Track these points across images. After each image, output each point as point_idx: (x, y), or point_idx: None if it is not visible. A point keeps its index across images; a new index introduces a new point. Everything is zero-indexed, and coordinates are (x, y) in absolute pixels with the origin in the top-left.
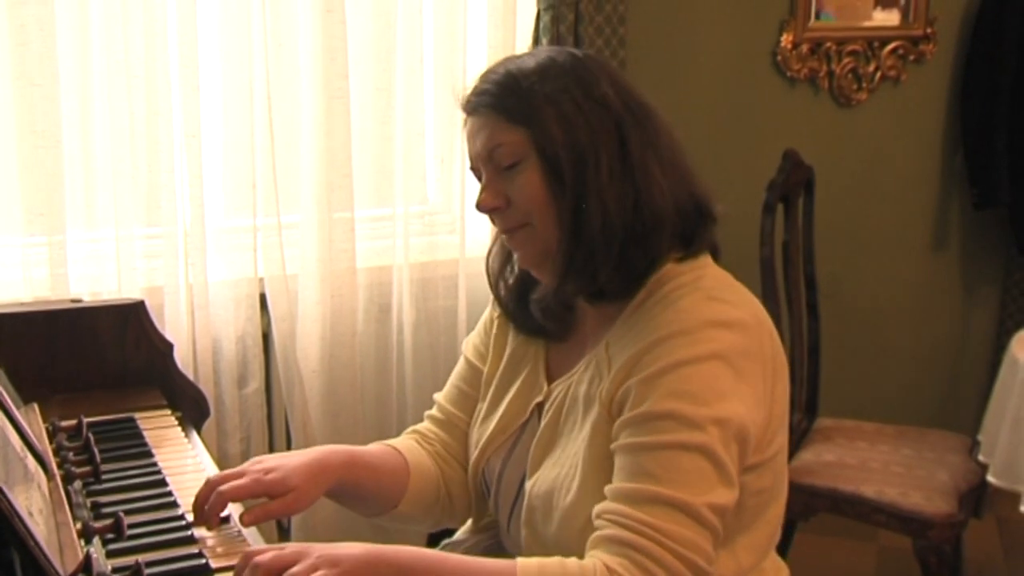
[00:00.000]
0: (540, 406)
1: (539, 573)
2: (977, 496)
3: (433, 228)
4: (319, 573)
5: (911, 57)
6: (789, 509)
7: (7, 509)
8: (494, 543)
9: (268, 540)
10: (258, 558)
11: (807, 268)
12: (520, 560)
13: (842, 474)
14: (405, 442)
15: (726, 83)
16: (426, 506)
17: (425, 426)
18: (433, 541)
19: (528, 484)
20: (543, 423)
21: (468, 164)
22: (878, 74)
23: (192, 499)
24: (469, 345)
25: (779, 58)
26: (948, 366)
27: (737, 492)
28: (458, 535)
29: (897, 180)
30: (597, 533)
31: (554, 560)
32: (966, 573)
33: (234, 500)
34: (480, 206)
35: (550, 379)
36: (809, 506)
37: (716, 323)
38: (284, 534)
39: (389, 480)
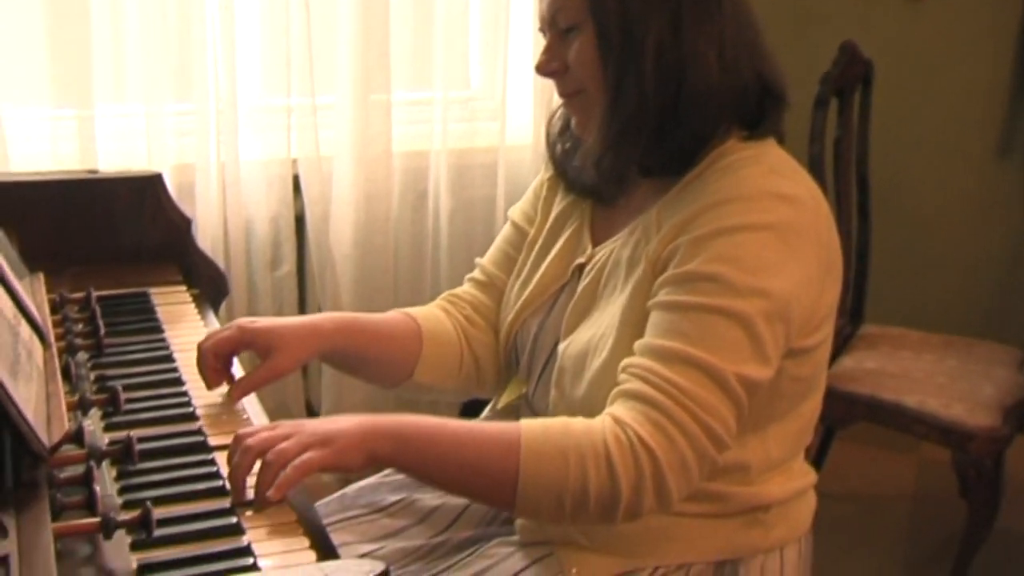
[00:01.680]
0: (581, 268)
1: (543, 432)
2: (1023, 411)
3: (474, 114)
4: (309, 453)
5: None
6: (827, 416)
7: None
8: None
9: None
10: (248, 440)
11: (860, 168)
12: (524, 420)
13: (884, 382)
14: (424, 309)
15: None
16: (447, 374)
17: (463, 289)
18: (465, 412)
19: (561, 346)
20: (582, 285)
21: (516, 46)
22: None
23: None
24: (517, 210)
25: None
26: (1001, 278)
27: (771, 371)
28: (481, 416)
29: (963, 82)
30: (619, 387)
31: (558, 420)
32: (1006, 490)
33: (217, 352)
34: (538, 69)
35: (594, 242)
36: (848, 414)
37: (775, 195)
38: (314, 416)
39: (394, 347)
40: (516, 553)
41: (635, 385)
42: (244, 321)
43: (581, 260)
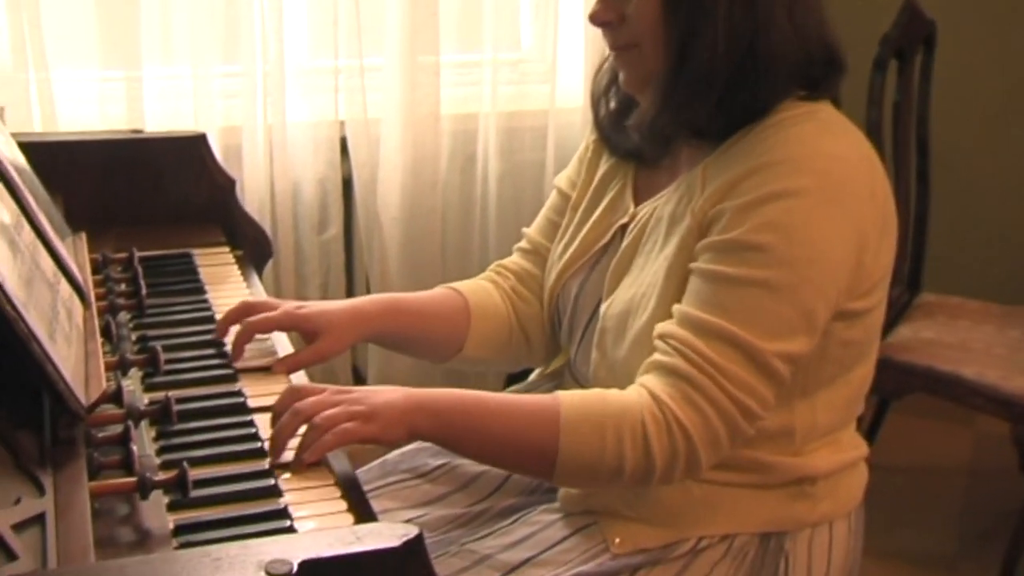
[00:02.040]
0: (624, 228)
1: (581, 407)
2: None
3: (524, 76)
4: (352, 424)
5: None
6: (882, 387)
7: (23, 332)
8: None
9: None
10: (299, 404)
11: (920, 132)
12: (561, 394)
13: (941, 353)
14: (472, 283)
15: None
16: (497, 347)
17: (510, 259)
18: (512, 382)
19: (603, 306)
20: (624, 244)
21: (567, 7)
22: None
23: None
24: (563, 177)
25: None
26: None
27: (816, 339)
28: (528, 381)
29: None
30: (655, 356)
31: (595, 392)
32: None
33: (261, 332)
34: (593, 18)
35: (637, 202)
36: (903, 384)
37: (828, 155)
38: (360, 383)
39: (442, 324)
40: (558, 522)
41: (673, 360)
42: (291, 306)
43: (623, 220)
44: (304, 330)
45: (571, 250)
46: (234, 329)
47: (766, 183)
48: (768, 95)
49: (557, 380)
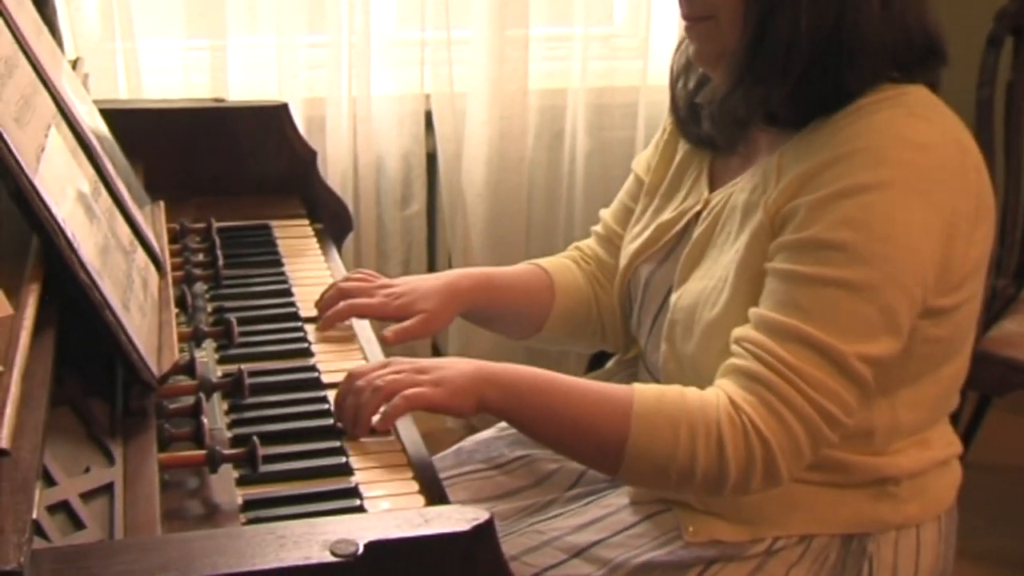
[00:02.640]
0: (697, 215)
1: (657, 401)
2: None
3: (615, 52)
4: (420, 388)
5: None
6: (984, 383)
7: (97, 300)
8: (635, 379)
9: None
10: (358, 381)
11: None
12: (637, 385)
13: None
14: (556, 261)
15: None
16: (575, 327)
17: (587, 243)
18: (594, 364)
19: (673, 297)
20: (697, 232)
21: None
22: None
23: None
24: (640, 161)
25: None
26: None
27: (902, 341)
28: (606, 368)
29: None
30: (732, 360)
31: (674, 389)
32: None
33: (358, 316)
34: None
35: (711, 190)
36: (1006, 381)
37: (913, 144)
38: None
39: (528, 301)
40: (630, 506)
41: (749, 364)
42: (385, 291)
43: (697, 208)
44: (403, 318)
45: (643, 237)
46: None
47: (843, 176)
48: (851, 83)
49: (633, 368)
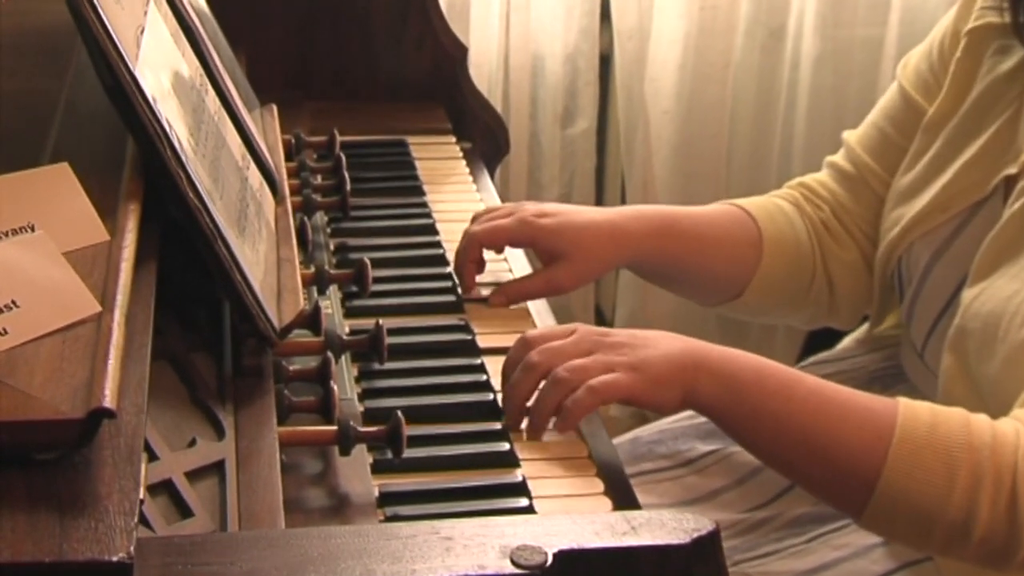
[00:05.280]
0: (1011, 181)
1: (929, 428)
2: None
3: None
4: (614, 375)
5: None
6: None
7: (208, 228)
8: (891, 368)
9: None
10: (534, 355)
11: None
12: (904, 401)
13: None
14: (767, 202)
15: None
16: (790, 296)
17: (819, 178)
18: (813, 348)
19: (967, 293)
20: (1011, 209)
21: None
22: None
23: None
24: (910, 70)
25: None
26: None
27: None
28: (837, 349)
29: None
30: None
31: (955, 413)
32: None
33: (490, 245)
34: None
35: None
36: None
37: None
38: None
39: (724, 257)
40: (878, 548)
41: None
42: (530, 212)
43: (1013, 170)
44: (544, 248)
45: (924, 202)
46: None
47: None
48: None
49: (881, 352)
